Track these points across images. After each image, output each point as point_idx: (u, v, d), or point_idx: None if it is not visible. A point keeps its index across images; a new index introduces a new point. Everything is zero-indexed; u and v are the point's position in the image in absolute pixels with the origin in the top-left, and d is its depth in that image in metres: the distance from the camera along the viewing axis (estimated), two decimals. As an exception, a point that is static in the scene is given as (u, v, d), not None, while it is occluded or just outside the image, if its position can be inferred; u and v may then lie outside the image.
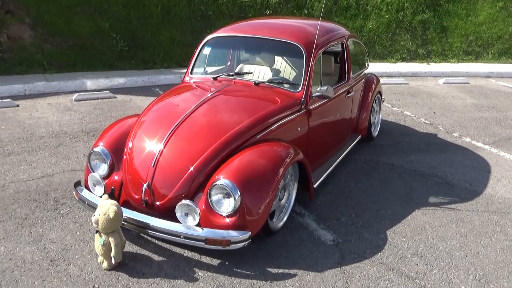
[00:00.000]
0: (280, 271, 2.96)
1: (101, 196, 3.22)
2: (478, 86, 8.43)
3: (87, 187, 3.40)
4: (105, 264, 2.95)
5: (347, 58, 4.53)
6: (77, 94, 6.96)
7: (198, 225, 2.95)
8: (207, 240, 2.87)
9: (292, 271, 2.95)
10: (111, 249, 2.90)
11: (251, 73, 4.16)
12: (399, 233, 3.42)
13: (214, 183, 2.99)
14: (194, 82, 4.22)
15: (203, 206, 2.99)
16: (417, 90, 8.01)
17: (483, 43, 10.16)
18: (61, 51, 8.20)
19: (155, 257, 3.09)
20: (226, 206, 2.95)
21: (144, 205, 3.11)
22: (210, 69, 4.50)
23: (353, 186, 4.21)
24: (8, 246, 3.17)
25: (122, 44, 8.67)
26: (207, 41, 4.37)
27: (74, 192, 3.47)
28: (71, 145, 5.09)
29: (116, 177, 3.39)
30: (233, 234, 2.88)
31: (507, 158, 4.95)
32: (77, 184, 3.51)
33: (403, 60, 9.68)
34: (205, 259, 3.08)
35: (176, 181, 3.09)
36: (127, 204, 3.25)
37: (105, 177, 3.39)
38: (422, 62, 9.78)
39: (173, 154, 3.18)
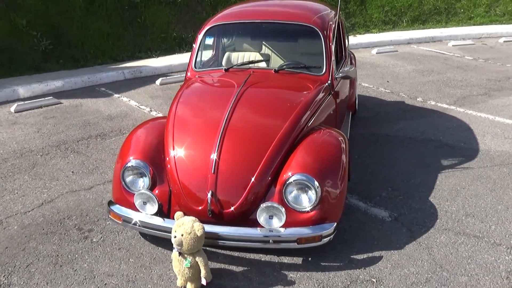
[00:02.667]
0: (365, 256, 2.98)
1: (153, 214, 2.92)
2: (407, 52, 9.13)
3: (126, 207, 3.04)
4: (191, 287, 2.69)
5: (343, 36, 4.58)
6: (15, 104, 6.07)
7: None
8: (298, 240, 2.76)
9: (376, 254, 2.99)
10: (199, 270, 2.65)
11: (267, 60, 3.99)
12: (440, 198, 3.64)
13: (287, 181, 2.87)
14: (202, 76, 3.93)
15: (280, 207, 2.86)
16: (359, 62, 8.42)
17: (397, 12, 10.97)
18: (-25, 57, 7.07)
19: (235, 268, 2.90)
20: (306, 200, 2.86)
21: (210, 215, 2.88)
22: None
23: (369, 161, 4.34)
24: (63, 291, 2.73)
25: (45, 43, 7.73)
26: (208, 30, 4.07)
27: (111, 215, 3.09)
28: (48, 163, 4.47)
29: (157, 191, 3.08)
30: (322, 228, 2.81)
31: (476, 115, 5.49)
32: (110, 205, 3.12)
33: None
34: (286, 259, 2.97)
35: (242, 185, 2.90)
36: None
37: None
38: (349, 35, 10.26)
39: (231, 159, 2.97)
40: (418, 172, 4.07)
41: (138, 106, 6.13)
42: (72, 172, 4.30)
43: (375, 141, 4.81)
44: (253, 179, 2.90)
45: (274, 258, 2.98)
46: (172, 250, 2.77)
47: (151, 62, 8.12)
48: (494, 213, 3.40)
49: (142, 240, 3.22)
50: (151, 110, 5.96)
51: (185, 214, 2.96)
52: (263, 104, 3.40)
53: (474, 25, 10.70)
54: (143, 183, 3.12)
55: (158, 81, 7.21)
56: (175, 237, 2.61)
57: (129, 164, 3.12)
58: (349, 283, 2.74)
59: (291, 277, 2.81)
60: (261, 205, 2.79)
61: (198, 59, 4.07)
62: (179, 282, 2.74)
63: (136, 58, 8.34)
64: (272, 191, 2.93)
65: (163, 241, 3.14)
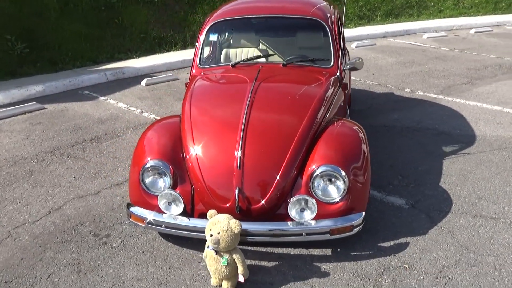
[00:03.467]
0: (392, 243, 3.02)
1: (179, 213, 2.87)
2: (385, 45, 9.32)
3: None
4: (227, 285, 2.65)
5: (342, 29, 4.62)
6: (-3, 111, 5.80)
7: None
8: (331, 231, 2.77)
9: (402, 240, 3.04)
10: (236, 267, 2.61)
11: (274, 54, 3.96)
12: (450, 183, 3.74)
13: (314, 174, 2.88)
14: (209, 72, 3.87)
15: (308, 199, 2.86)
16: (341, 56, 8.54)
17: (371, 7, 11.18)
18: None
19: (266, 264, 2.88)
20: (334, 191, 2.87)
21: (238, 212, 2.85)
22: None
23: (372, 151, 4.33)
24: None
25: (20, 46, 7.43)
26: (210, 27, 4.01)
27: (132, 218, 3.01)
28: (45, 170, 4.30)
29: (179, 191, 3.01)
30: (352, 218, 2.83)
31: (465, 103, 5.67)
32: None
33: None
34: (315, 251, 2.98)
35: (269, 179, 2.88)
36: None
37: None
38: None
39: (256, 155, 2.94)
40: (423, 160, 4.17)
41: (127, 108, 5.98)
42: (74, 177, 4.15)
43: (375, 132, 4.89)
44: (279, 173, 2.89)
45: (303, 251, 2.98)
46: (202, 249, 2.74)
47: (132, 63, 7.94)
48: (504, 195, 3.53)
49: (164, 242, 3.14)
50: (142, 112, 5.83)
51: (201, 213, 2.93)
52: (280, 98, 3.39)
53: (444, 17, 11.05)
54: (163, 183, 3.05)
55: (143, 82, 7.06)
56: (211, 235, 2.56)
57: (148, 165, 3.04)
58: (382, 270, 2.77)
59: (324, 268, 2.82)
60: (292, 198, 2.79)
61: (203, 55, 4.01)
62: (214, 281, 2.70)
63: (116, 59, 8.13)
64: (298, 185, 2.93)
65: (186, 241, 3.08)
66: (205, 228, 2.80)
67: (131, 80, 7.35)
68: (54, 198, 3.79)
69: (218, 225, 2.57)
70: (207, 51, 4.22)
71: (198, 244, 3.03)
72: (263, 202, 2.86)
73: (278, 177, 2.88)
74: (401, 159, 4.21)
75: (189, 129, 3.18)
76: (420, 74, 7.11)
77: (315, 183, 2.88)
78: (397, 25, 10.68)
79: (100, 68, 7.63)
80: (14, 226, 3.40)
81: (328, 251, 2.97)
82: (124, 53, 8.34)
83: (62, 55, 7.77)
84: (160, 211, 2.96)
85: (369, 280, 2.70)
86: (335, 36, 3.83)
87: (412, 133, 4.81)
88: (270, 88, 3.44)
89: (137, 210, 3.01)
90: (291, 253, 2.98)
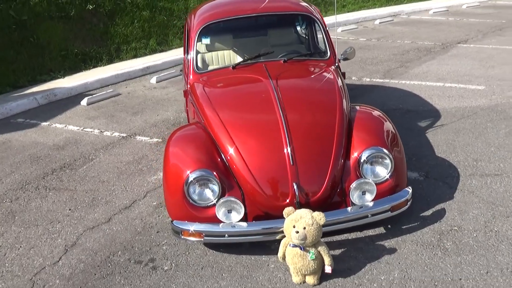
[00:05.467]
0: (430, 212, 3.25)
1: (240, 219, 2.78)
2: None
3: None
4: (312, 280, 2.64)
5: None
6: None
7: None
8: (392, 208, 2.91)
9: (438, 208, 3.29)
10: (322, 260, 2.60)
11: (272, 52, 3.95)
12: (444, 152, 4.11)
13: (360, 159, 3.00)
14: (212, 77, 3.75)
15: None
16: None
17: None
18: None
19: (333, 253, 2.90)
20: (383, 170, 3.01)
21: (298, 207, 2.84)
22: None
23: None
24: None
25: None
26: (201, 31, 3.88)
27: (185, 234, 2.84)
28: (28, 208, 3.82)
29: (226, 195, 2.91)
30: (405, 192, 3.00)
31: (410, 83, 6.22)
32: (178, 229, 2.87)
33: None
34: (370, 232, 3.09)
35: (322, 171, 2.93)
36: (266, 216, 2.89)
37: (218, 199, 2.88)
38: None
39: (305, 149, 2.98)
40: (408, 137, 4.51)
41: (82, 130, 5.49)
42: (70, 209, 3.73)
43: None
44: (330, 164, 2.94)
45: (359, 234, 3.08)
46: (261, 252, 2.75)
47: (60, 83, 7.28)
48: (493, 155, 4.00)
49: (216, 253, 3.00)
50: (102, 132, 5.40)
51: (266, 213, 2.89)
52: (305, 93, 3.45)
53: (348, 12, 11.95)
54: (211, 192, 2.91)
55: (83, 102, 6.52)
56: (297, 232, 2.52)
57: (191, 178, 2.89)
58: (439, 236, 2.98)
59: (387, 245, 2.95)
60: (352, 184, 2.87)
61: (198, 61, 3.87)
62: (297, 279, 2.66)
63: (39, 81, 7.36)
64: (347, 172, 3.01)
65: (237, 248, 2.98)
66: (273, 229, 2.77)
67: (67, 101, 6.74)
68: (62, 235, 3.36)
69: (302, 220, 2.54)
70: (200, 54, 4.07)
71: (253, 247, 2.97)
72: (320, 193, 2.89)
73: (330, 168, 2.93)
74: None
75: (225, 133, 3.08)
76: (355, 63, 7.62)
77: (364, 167, 2.99)
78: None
79: (26, 92, 6.86)
80: (33, 273, 2.96)
81: (381, 230, 3.10)
82: (46, 74, 7.60)
83: (-25, 83, 6.83)
84: (216, 221, 2.83)
85: (433, 246, 2.89)
86: (326, 29, 3.99)
87: (390, 117, 5.15)
88: (290, 84, 3.48)
89: (191, 225, 2.83)
90: (349, 238, 3.06)
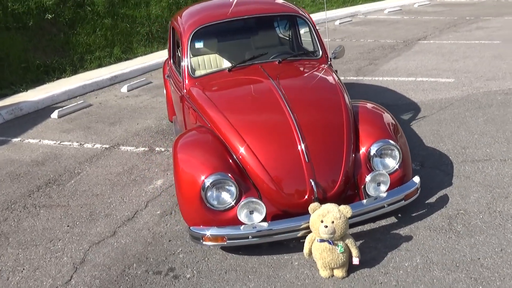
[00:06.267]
0: (435, 198, 3.38)
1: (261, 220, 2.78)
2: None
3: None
4: (340, 273, 2.67)
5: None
6: None
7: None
8: (405, 197, 3.01)
9: (440, 194, 3.43)
10: (350, 252, 2.65)
11: (266, 53, 3.95)
12: (433, 142, 4.29)
13: (370, 152, 3.08)
14: (209, 81, 3.70)
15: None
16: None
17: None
18: None
19: (352, 245, 2.96)
20: (392, 161, 3.11)
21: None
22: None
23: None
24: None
25: None
26: (192, 36, 3.82)
27: (206, 240, 2.81)
28: (21, 228, 3.63)
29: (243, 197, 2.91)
30: (414, 181, 3.11)
31: (383, 80, 6.45)
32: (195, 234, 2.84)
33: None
34: (383, 222, 3.17)
35: (336, 166, 2.98)
36: (284, 214, 2.90)
37: (236, 201, 2.86)
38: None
39: (318, 146, 3.02)
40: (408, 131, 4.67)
41: (59, 144, 5.26)
42: (68, 226, 3.55)
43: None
44: (343, 159, 3.00)
45: (373, 225, 3.15)
46: (281, 251, 2.80)
47: (24, 97, 6.94)
48: (477, 141, 4.22)
49: (235, 256, 2.97)
50: (81, 144, 5.19)
51: (285, 211, 2.90)
52: (308, 92, 3.50)
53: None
54: (229, 195, 2.89)
55: (54, 115, 6.24)
56: (326, 226, 2.55)
57: (208, 182, 2.85)
58: (448, 220, 3.11)
59: (402, 233, 3.04)
60: (367, 177, 2.94)
61: (193, 66, 3.82)
62: (325, 273, 2.68)
63: (0, 96, 6.98)
64: (358, 166, 3.08)
65: (256, 249, 2.96)
66: (295, 226, 2.79)
67: (35, 115, 6.44)
68: (66, 253, 3.20)
69: (330, 215, 2.57)
70: (194, 59, 4.01)
71: (273, 247, 2.98)
72: (336, 188, 2.93)
73: (343, 162, 2.99)
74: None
75: (236, 135, 3.06)
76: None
77: (374, 160, 3.07)
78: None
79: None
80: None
81: (392, 219, 3.20)
82: (8, 88, 7.21)
83: None
84: (235, 223, 2.81)
85: (446, 230, 3.01)
86: (316, 29, 4.06)
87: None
88: (291, 83, 3.52)
89: (212, 230, 2.79)
90: (364, 229, 3.12)
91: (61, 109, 6.38)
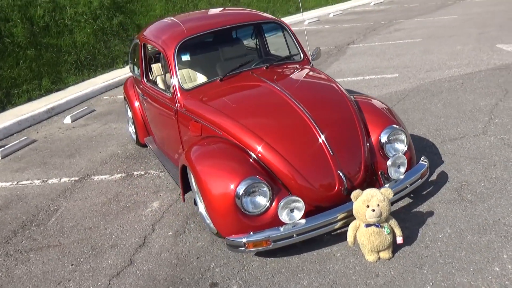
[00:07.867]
0: (435, 176, 3.62)
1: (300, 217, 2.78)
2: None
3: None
4: (387, 255, 2.75)
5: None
6: None
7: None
8: (421, 175, 3.18)
9: (438, 171, 3.68)
10: (394, 233, 2.73)
11: (251, 60, 3.95)
12: (408, 129, 4.58)
13: (380, 140, 3.22)
14: (202, 92, 3.60)
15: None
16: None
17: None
18: None
19: (383, 229, 3.05)
20: (401, 144, 3.28)
21: (345, 193, 2.94)
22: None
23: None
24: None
25: None
26: (178, 49, 3.70)
27: (249, 246, 2.74)
28: (14, 276, 3.23)
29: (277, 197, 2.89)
30: (423, 162, 3.29)
31: (338, 81, 6.76)
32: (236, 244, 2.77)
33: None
34: (401, 203, 3.31)
35: (357, 155, 3.08)
36: (316, 209, 2.93)
37: (271, 202, 2.84)
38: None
39: (337, 138, 3.07)
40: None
41: (17, 184, 4.76)
42: (72, 264, 3.22)
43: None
44: (361, 148, 3.10)
45: (393, 208, 3.27)
46: (316, 246, 2.76)
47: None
48: (445, 123, 4.60)
49: (275, 260, 2.92)
50: (44, 181, 4.74)
51: (317, 205, 2.92)
52: (311, 90, 3.58)
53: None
54: (263, 197, 2.84)
55: (-4, 155, 5.63)
56: (373, 210, 2.61)
57: (241, 190, 2.78)
58: (457, 192, 3.35)
59: (423, 209, 3.21)
60: (388, 162, 3.07)
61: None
62: (372, 257, 2.74)
63: None
64: (373, 154, 3.20)
65: (292, 248, 2.94)
66: (332, 219, 2.81)
67: (-28, 159, 5.74)
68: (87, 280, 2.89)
69: (374, 199, 2.64)
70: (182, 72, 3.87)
71: (306, 244, 2.97)
72: (360, 177, 3.02)
73: (362, 152, 3.09)
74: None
75: (256, 138, 3.03)
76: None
77: (386, 147, 3.22)
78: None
79: None
80: (83, 338, 2.49)
81: (407, 200, 3.35)
82: None
83: None
84: (273, 224, 2.78)
85: (459, 201, 3.24)
86: (293, 33, 4.18)
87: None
88: (291, 84, 3.57)
89: (254, 235, 2.72)
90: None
91: (3, 148, 5.76)
